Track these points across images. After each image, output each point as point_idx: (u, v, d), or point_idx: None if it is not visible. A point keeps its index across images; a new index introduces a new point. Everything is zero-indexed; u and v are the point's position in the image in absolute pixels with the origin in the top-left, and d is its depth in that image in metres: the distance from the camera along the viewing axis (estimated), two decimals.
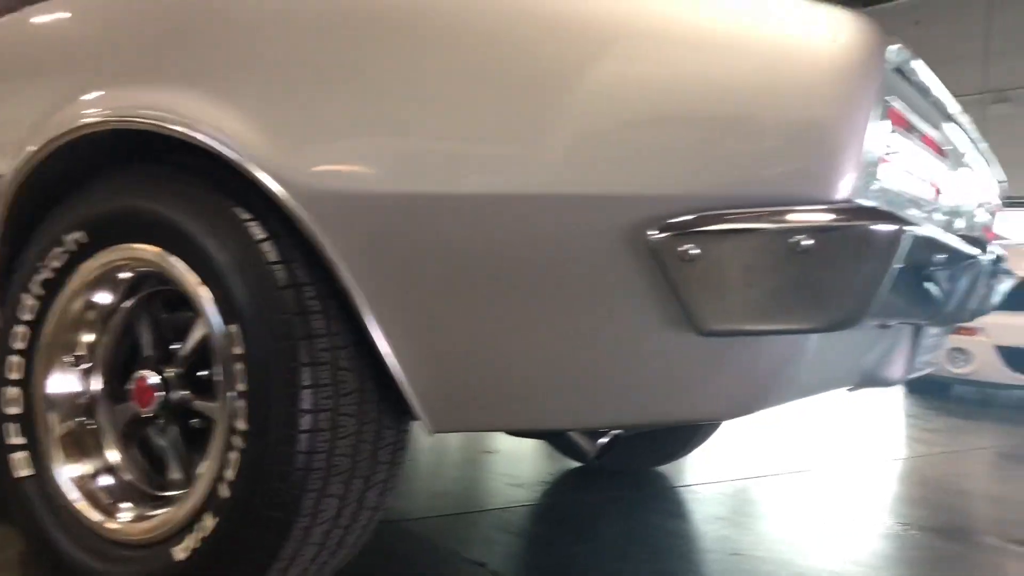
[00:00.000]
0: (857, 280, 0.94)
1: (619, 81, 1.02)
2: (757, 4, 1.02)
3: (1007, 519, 2.35)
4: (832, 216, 0.94)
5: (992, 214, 2.01)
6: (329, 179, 1.11)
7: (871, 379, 1.52)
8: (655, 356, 1.05)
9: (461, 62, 1.09)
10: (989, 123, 15.62)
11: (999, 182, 2.07)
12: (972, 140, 1.62)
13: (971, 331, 4.63)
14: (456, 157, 1.07)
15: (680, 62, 1.01)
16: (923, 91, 1.21)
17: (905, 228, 0.94)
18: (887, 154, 1.05)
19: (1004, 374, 4.59)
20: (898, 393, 5.13)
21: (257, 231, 1.17)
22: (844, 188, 0.96)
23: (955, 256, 1.21)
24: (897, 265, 0.96)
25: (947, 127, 1.38)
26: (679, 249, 0.97)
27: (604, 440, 1.38)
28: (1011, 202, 6.72)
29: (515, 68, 1.07)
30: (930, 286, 1.18)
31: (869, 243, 0.93)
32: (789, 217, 0.94)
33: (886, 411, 4.44)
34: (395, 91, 1.11)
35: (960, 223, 1.56)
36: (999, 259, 1.68)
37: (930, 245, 1.07)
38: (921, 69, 1.15)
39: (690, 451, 2.51)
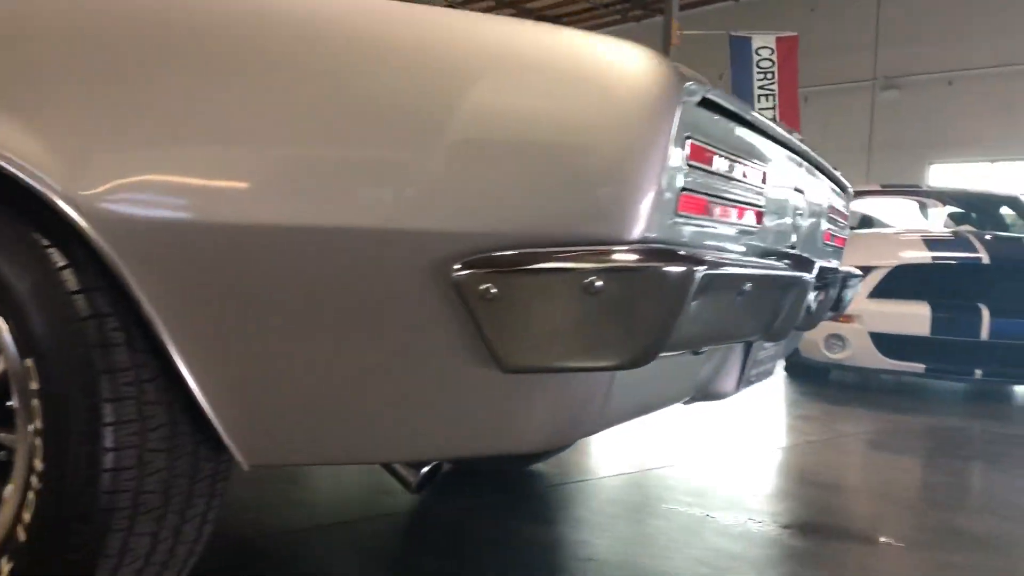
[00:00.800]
0: (650, 320, 0.95)
1: (417, 118, 1.01)
2: (550, 43, 1.02)
3: (863, 512, 2.45)
4: (623, 258, 0.94)
5: (837, 221, 2.07)
6: (128, 206, 1.07)
7: (704, 394, 1.56)
8: (466, 391, 1.05)
9: (263, 92, 1.06)
10: (879, 109, 16.24)
11: (843, 189, 2.14)
12: (806, 155, 1.66)
13: (847, 319, 4.81)
14: (255, 187, 1.04)
15: (475, 101, 1.00)
16: (738, 119, 1.23)
17: (696, 268, 0.95)
18: (688, 190, 1.06)
19: (877, 359, 4.78)
20: (779, 379, 5.30)
21: (57, 258, 1.11)
22: (638, 228, 0.97)
23: (769, 281, 1.24)
24: (691, 302, 0.97)
25: (769, 148, 1.40)
26: (479, 288, 0.96)
27: (426, 470, 1.38)
28: (891, 189, 6.99)
29: (317, 101, 1.04)
30: (745, 310, 1.20)
31: (659, 285, 0.94)
32: (582, 259, 0.94)
33: (763, 398, 4.58)
34: (194, 119, 1.07)
35: (792, 239, 1.60)
36: (831, 271, 1.74)
37: (733, 278, 1.09)
38: (729, 99, 1.16)
39: (563, 449, 2.53)
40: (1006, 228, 6.60)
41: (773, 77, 12.12)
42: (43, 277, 1.11)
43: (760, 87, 12.05)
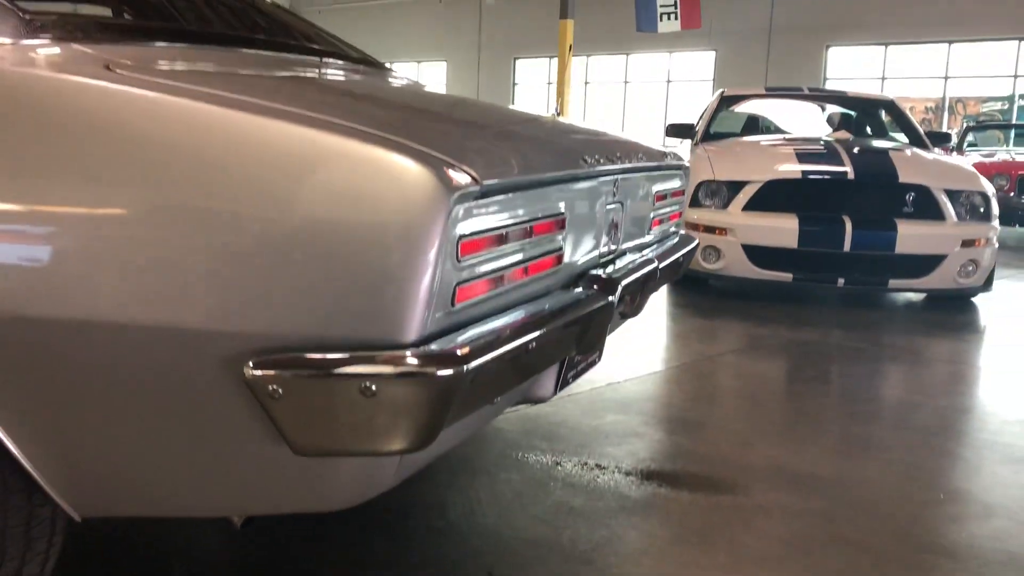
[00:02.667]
0: (426, 414, 1.07)
1: (204, 222, 1.08)
2: (326, 146, 1.09)
3: (705, 454, 2.69)
4: (393, 364, 1.05)
5: (668, 204, 2.21)
6: None
7: (527, 399, 1.71)
8: (267, 463, 1.16)
9: (67, 187, 1.12)
10: None
11: (678, 168, 2.25)
12: (629, 164, 1.77)
13: (722, 231, 5.04)
14: (62, 283, 1.11)
15: (257, 205, 1.08)
16: (520, 186, 1.31)
17: (465, 367, 1.07)
18: (464, 281, 1.16)
19: (749, 269, 5.04)
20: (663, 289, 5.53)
21: None
22: (413, 330, 1.07)
23: (558, 329, 1.37)
24: (468, 386, 1.09)
25: (572, 186, 1.50)
26: (268, 387, 1.06)
27: None
28: (774, 93, 7.11)
29: (112, 202, 1.11)
30: (541, 353, 1.33)
31: (430, 386, 1.05)
32: (356, 363, 1.05)
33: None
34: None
35: (606, 248, 1.72)
36: (648, 269, 1.87)
37: (511, 352, 1.20)
38: (508, 180, 1.24)
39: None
40: (884, 130, 6.88)
41: None
42: None
43: None
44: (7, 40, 1.30)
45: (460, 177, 1.11)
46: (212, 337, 1.09)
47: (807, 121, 7.15)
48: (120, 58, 1.32)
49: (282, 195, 1.08)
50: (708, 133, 6.40)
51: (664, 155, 2.21)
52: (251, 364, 1.07)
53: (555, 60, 13.47)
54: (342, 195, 1.07)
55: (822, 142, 5.65)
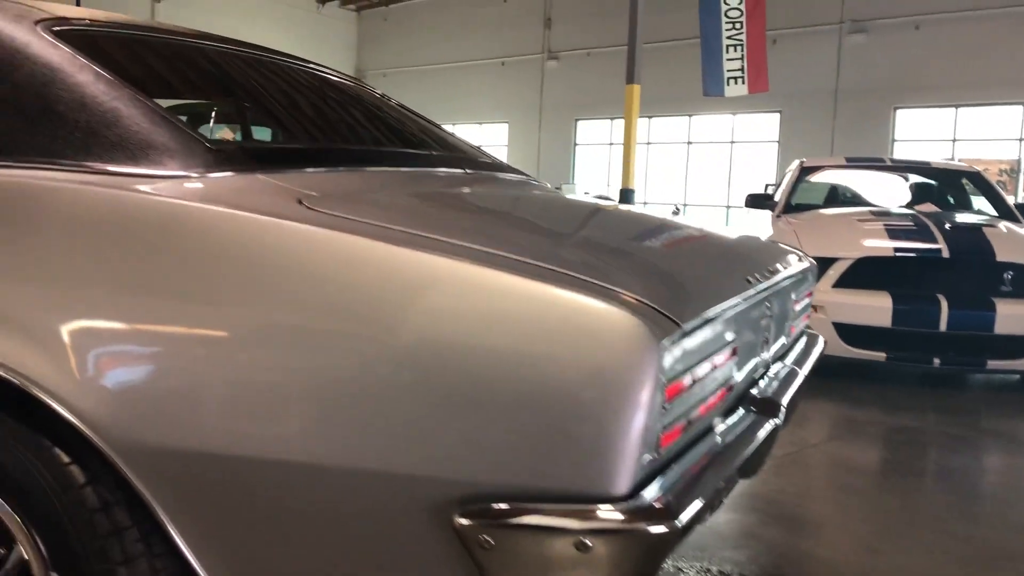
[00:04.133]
0: (641, 568, 1.05)
1: (413, 369, 1.09)
2: (539, 297, 1.10)
3: (823, 556, 2.60)
4: (609, 518, 1.04)
5: (803, 308, 2.18)
6: (150, 433, 1.15)
7: None
8: None
9: (282, 336, 1.14)
10: (846, 53, 16.23)
11: (809, 272, 2.23)
12: (781, 275, 1.76)
13: (812, 309, 4.96)
14: (260, 425, 1.13)
15: (467, 353, 1.09)
16: (708, 319, 1.30)
17: (678, 522, 1.05)
18: (670, 424, 1.15)
19: (841, 348, 4.95)
20: None
21: (78, 476, 1.20)
22: (624, 483, 1.06)
23: (740, 462, 1.35)
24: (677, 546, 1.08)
25: (738, 311, 1.48)
26: (478, 537, 1.06)
27: None
28: (856, 163, 7.07)
29: (333, 353, 1.13)
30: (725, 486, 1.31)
31: (647, 542, 1.04)
32: (571, 517, 1.04)
33: None
34: (212, 356, 1.15)
35: (763, 365, 1.70)
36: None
37: (712, 495, 1.18)
38: (701, 317, 1.24)
39: None
40: (967, 201, 6.76)
41: (741, 28, 12.08)
42: (64, 492, 1.20)
43: (728, 38, 12.04)
44: (197, 173, 1.34)
45: (665, 323, 1.11)
46: (419, 483, 1.09)
47: (887, 190, 7.07)
48: (308, 189, 1.36)
49: (494, 345, 1.08)
50: (790, 204, 6.35)
51: (801, 257, 2.19)
52: (461, 513, 1.06)
53: (616, 121, 13.56)
54: (551, 345, 1.07)
55: (911, 217, 5.56)
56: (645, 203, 18.37)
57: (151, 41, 1.82)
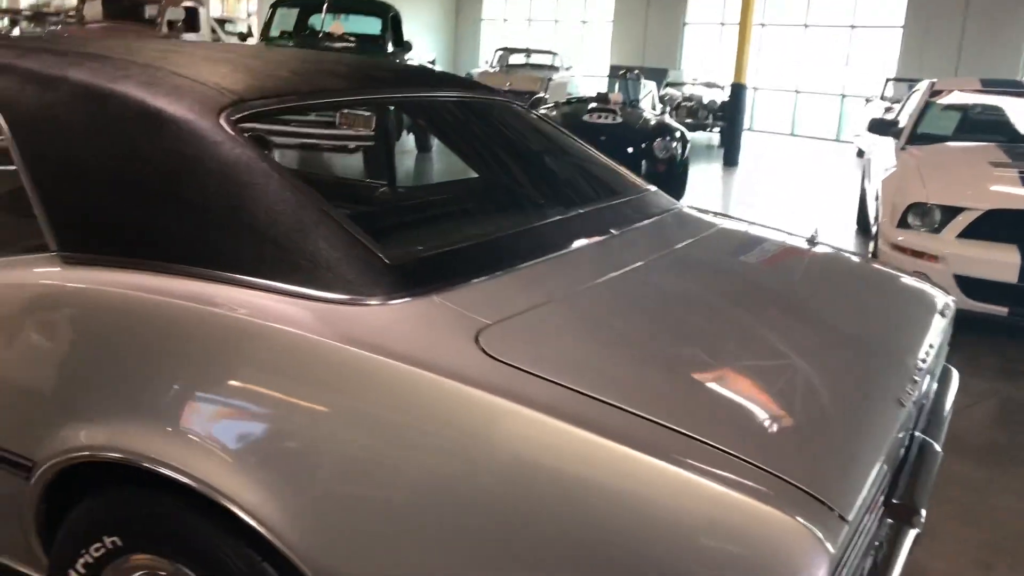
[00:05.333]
0: None
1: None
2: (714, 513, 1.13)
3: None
4: None
5: None
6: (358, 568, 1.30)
7: None
8: None
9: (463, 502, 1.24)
10: None
11: None
12: None
13: (932, 258, 4.83)
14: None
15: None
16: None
17: None
18: None
19: (961, 300, 4.83)
20: None
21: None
22: None
23: None
24: None
25: None
26: None
27: None
28: (991, 88, 6.61)
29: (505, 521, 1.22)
30: None
31: None
32: None
33: None
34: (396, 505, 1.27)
35: None
36: None
37: None
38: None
39: None
40: None
41: None
42: None
43: None
44: (375, 300, 1.41)
45: (832, 521, 1.13)
46: None
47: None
48: (484, 315, 1.42)
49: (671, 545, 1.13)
50: (916, 134, 6.06)
51: (944, 309, 2.12)
52: None
53: None
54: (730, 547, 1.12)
55: None
56: (756, 88, 17.65)
57: (323, 108, 1.84)
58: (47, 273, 1.59)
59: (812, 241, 2.36)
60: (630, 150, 8.33)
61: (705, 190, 9.96)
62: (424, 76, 2.30)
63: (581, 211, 2.03)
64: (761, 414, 1.40)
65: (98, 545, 1.52)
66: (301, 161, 8.70)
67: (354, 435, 1.32)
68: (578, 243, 1.87)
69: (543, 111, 9.57)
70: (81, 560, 1.54)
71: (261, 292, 1.43)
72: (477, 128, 2.31)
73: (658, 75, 15.42)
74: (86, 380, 1.52)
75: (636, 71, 11.77)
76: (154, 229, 1.56)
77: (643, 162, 8.33)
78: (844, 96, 17.82)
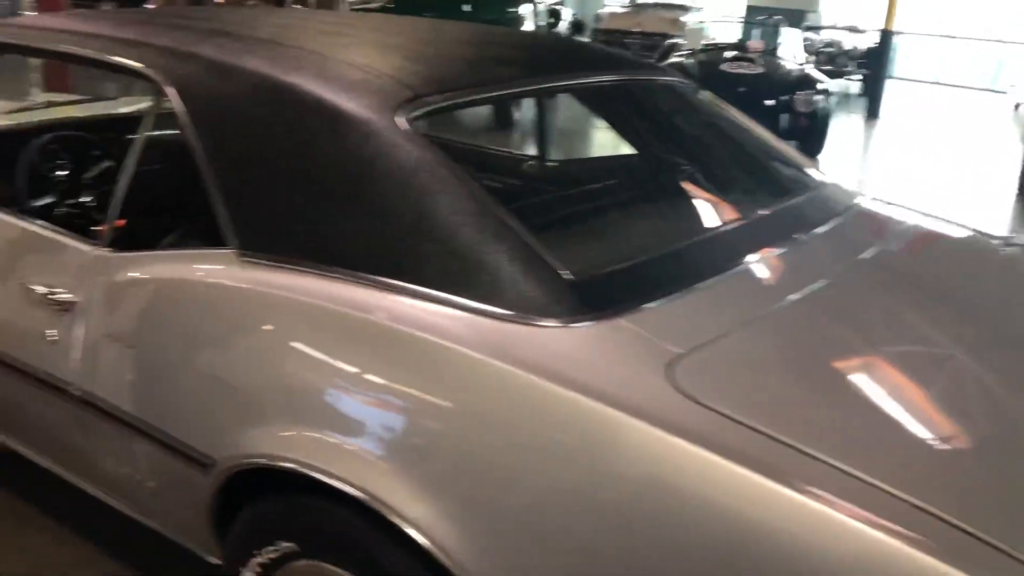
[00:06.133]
0: None
1: None
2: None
3: None
4: None
5: None
6: None
7: None
8: None
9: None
10: None
11: None
12: None
13: None
14: None
15: None
16: None
17: None
18: None
19: None
20: None
21: None
22: None
23: None
24: None
25: None
26: None
27: None
28: None
29: None
30: None
31: None
32: None
33: None
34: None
35: None
36: None
37: None
38: None
39: None
40: None
41: None
42: None
43: None
44: (558, 322, 1.32)
45: None
46: None
47: None
48: (672, 342, 1.31)
49: None
50: None
51: None
52: None
53: None
54: None
55: None
56: (898, 32, 16.58)
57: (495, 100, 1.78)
58: (227, 272, 1.56)
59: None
60: (769, 102, 7.95)
61: (845, 146, 9.44)
62: (591, 56, 2.17)
63: (763, 213, 1.86)
64: (980, 471, 1.26)
65: (273, 548, 1.51)
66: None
67: (538, 468, 1.25)
68: (764, 253, 1.70)
69: (678, 58, 9.22)
70: (256, 559, 1.54)
71: (439, 306, 1.37)
72: (646, 112, 2.18)
73: (795, 18, 14.63)
74: (263, 385, 1.50)
75: (779, 16, 11.18)
76: (332, 233, 1.51)
77: (783, 116, 7.94)
78: (1002, 42, 16.57)
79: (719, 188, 1.97)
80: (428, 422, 1.34)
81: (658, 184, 1.97)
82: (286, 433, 1.44)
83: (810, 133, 7.91)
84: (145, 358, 1.66)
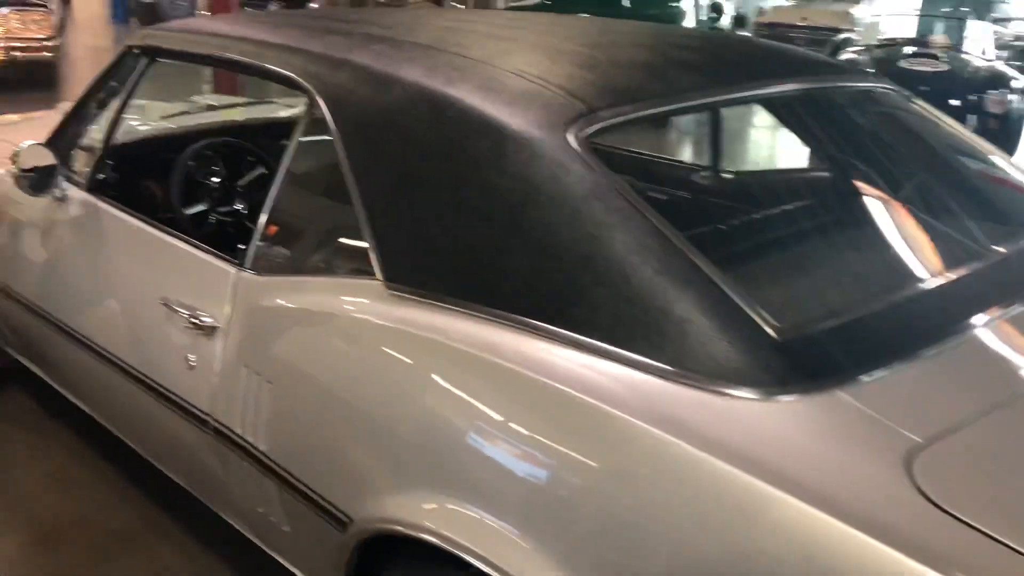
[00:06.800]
0: None
1: None
2: None
3: None
4: None
5: None
6: None
7: None
8: None
9: None
10: None
11: None
12: None
13: None
14: None
15: None
16: None
17: None
18: None
19: None
20: None
21: None
22: None
23: None
24: None
25: None
26: None
27: None
28: None
29: None
30: None
31: None
32: None
33: None
34: None
35: None
36: None
37: None
38: None
39: None
40: None
41: None
42: None
43: None
44: (757, 394, 1.07)
45: None
46: None
47: None
48: (911, 430, 1.04)
49: None
50: None
51: None
52: None
53: None
54: None
55: None
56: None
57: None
58: (372, 308, 1.40)
59: None
60: (955, 103, 7.29)
61: None
62: (783, 58, 1.88)
63: (997, 259, 1.52)
64: None
65: None
66: None
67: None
68: (1001, 310, 1.35)
69: (850, 55, 8.63)
70: None
71: (612, 364, 1.15)
72: (852, 125, 1.86)
73: (982, 9, 13.52)
74: (406, 443, 1.32)
75: (965, 9, 10.30)
76: (491, 270, 1.32)
77: (970, 117, 7.26)
78: None
79: (942, 223, 1.60)
80: (589, 506, 1.13)
81: (866, 215, 1.65)
82: (425, 501, 1.27)
83: (1002, 136, 7.20)
84: (283, 395, 1.52)
